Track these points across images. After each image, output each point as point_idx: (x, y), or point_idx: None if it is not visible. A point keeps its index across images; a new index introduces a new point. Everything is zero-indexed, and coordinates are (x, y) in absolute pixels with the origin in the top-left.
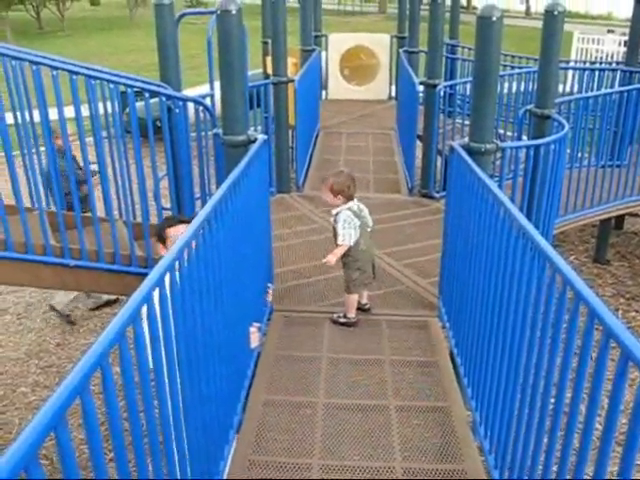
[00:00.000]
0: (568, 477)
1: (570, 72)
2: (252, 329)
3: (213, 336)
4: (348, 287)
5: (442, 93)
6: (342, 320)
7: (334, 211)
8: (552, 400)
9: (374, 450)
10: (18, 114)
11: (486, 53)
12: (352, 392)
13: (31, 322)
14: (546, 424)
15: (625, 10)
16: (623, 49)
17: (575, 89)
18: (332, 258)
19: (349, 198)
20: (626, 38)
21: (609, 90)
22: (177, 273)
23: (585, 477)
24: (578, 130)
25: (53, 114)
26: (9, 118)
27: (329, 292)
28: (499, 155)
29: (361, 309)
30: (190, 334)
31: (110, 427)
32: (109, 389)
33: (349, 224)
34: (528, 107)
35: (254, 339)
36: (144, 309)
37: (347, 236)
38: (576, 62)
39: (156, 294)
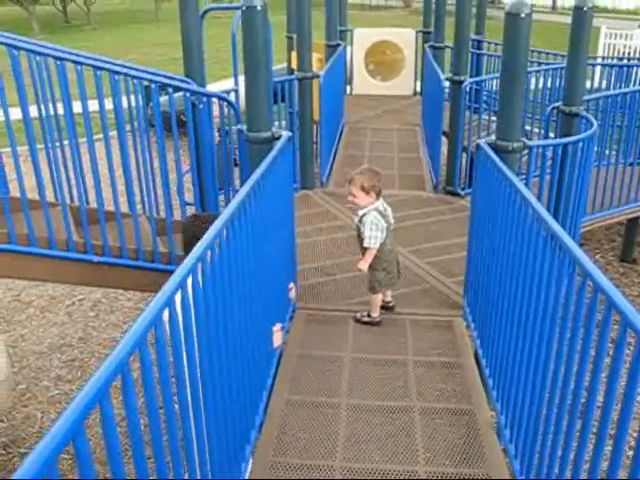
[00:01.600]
0: None
1: (598, 68)
2: (275, 328)
3: (236, 335)
4: (373, 287)
5: (468, 89)
6: (366, 319)
7: (360, 212)
8: (582, 403)
9: (397, 453)
10: (42, 108)
11: (514, 50)
12: (375, 393)
13: (54, 316)
14: (575, 428)
15: None
16: None
17: (603, 85)
18: (364, 265)
19: (379, 192)
20: None
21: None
22: (200, 273)
23: None
24: (606, 128)
25: (77, 108)
26: (33, 111)
27: (353, 290)
28: (525, 152)
29: (385, 307)
30: (212, 334)
31: (129, 425)
32: (128, 387)
33: (376, 226)
34: (556, 104)
35: (277, 338)
36: (166, 312)
37: (374, 239)
38: (603, 58)
39: (178, 294)
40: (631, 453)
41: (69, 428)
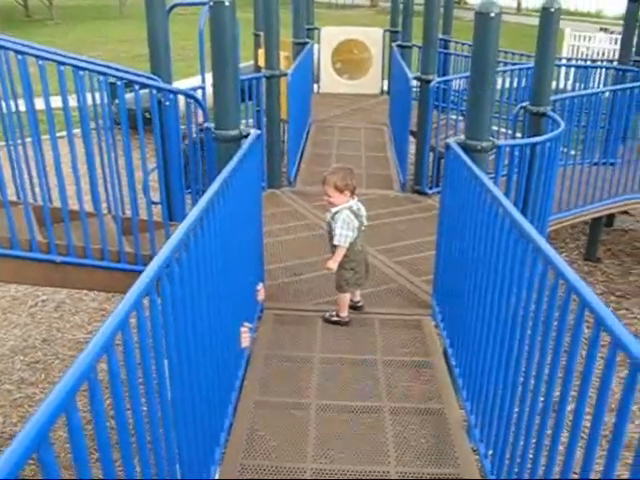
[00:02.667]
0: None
1: (563, 69)
2: (243, 329)
3: (204, 335)
4: (340, 286)
5: (436, 88)
6: (335, 319)
7: (333, 210)
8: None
9: (368, 453)
10: (3, 104)
11: (484, 50)
12: (345, 393)
13: (16, 317)
14: (547, 427)
15: (615, 8)
16: (614, 47)
17: (569, 86)
18: (333, 264)
19: (354, 191)
20: (618, 36)
21: (607, 88)
22: (167, 275)
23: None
24: (572, 128)
25: (40, 104)
26: None
27: (321, 289)
28: (493, 152)
29: (354, 307)
30: (181, 334)
31: (96, 430)
32: (96, 394)
33: (348, 225)
34: (523, 104)
35: (245, 339)
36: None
37: (344, 237)
38: (568, 59)
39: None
40: (604, 453)
41: (32, 439)
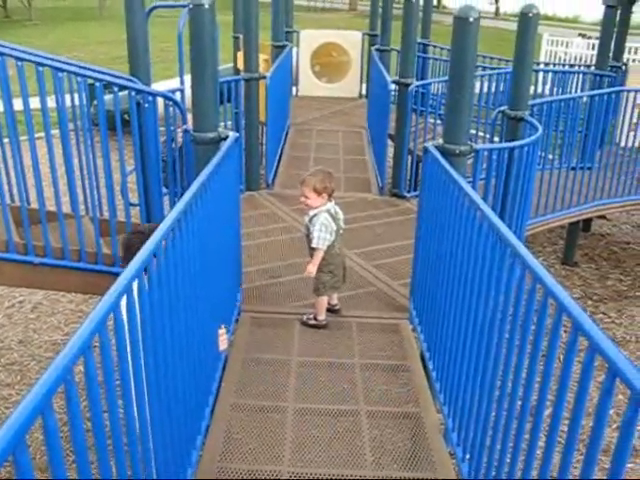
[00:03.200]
0: None
1: (540, 74)
2: (220, 331)
3: (180, 339)
4: (318, 289)
5: (414, 92)
6: (312, 322)
7: (311, 212)
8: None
9: (345, 457)
10: None
11: (462, 54)
12: (322, 396)
13: None
14: (524, 431)
15: (592, 13)
16: (591, 52)
17: (546, 91)
18: (312, 268)
19: (331, 194)
20: (596, 42)
21: (584, 93)
22: (145, 277)
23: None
24: (549, 132)
25: (18, 105)
26: None
27: (299, 292)
28: (471, 156)
29: (331, 310)
30: (158, 336)
31: (71, 428)
32: (72, 392)
33: (326, 228)
34: (501, 109)
35: (222, 342)
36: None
37: (322, 240)
38: (546, 64)
39: (123, 299)
40: (582, 457)
41: (8, 442)
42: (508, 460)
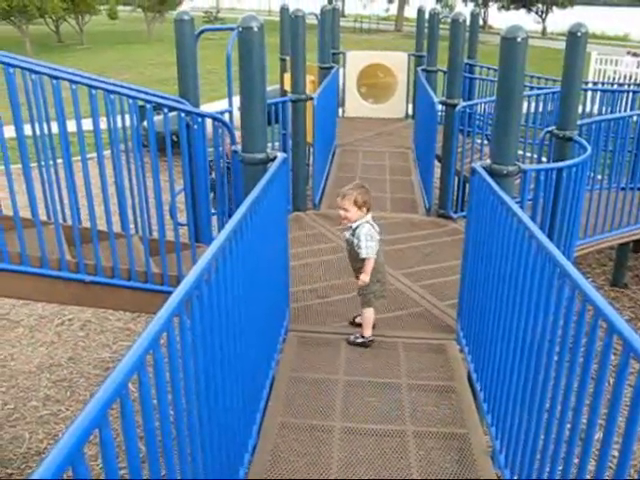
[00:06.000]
0: None
1: (589, 93)
2: None
3: (230, 357)
4: (368, 300)
5: (461, 113)
6: (359, 340)
7: (353, 225)
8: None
9: (391, 477)
10: (36, 126)
11: (510, 74)
12: (368, 416)
13: (43, 335)
14: (574, 455)
15: None
16: None
17: (595, 111)
18: (366, 277)
19: (370, 208)
20: None
21: (634, 112)
22: (196, 296)
23: None
24: (598, 152)
25: (71, 127)
26: (27, 130)
27: (345, 312)
28: (519, 176)
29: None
30: (208, 356)
31: (127, 450)
32: (127, 407)
33: (371, 237)
34: (550, 128)
35: None
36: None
37: (371, 249)
38: (595, 83)
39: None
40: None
41: (67, 454)
42: None
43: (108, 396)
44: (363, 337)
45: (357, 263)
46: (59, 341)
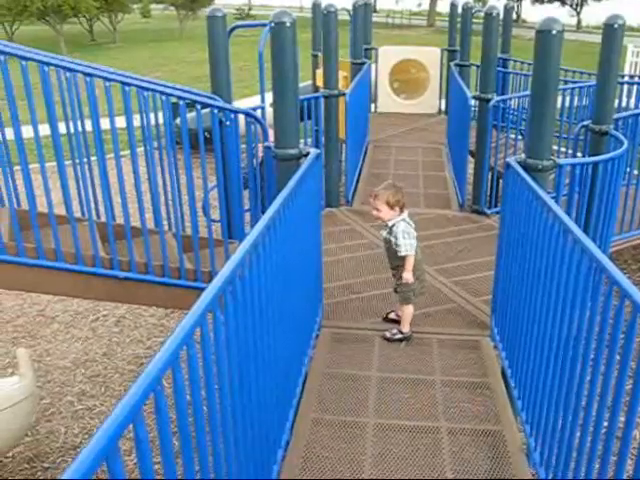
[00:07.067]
0: None
1: (625, 87)
2: None
3: (264, 353)
4: (408, 298)
5: (495, 108)
6: (398, 336)
7: (390, 223)
8: (620, 426)
9: (424, 473)
10: (70, 124)
11: (545, 68)
12: (402, 412)
13: (78, 331)
14: (611, 453)
15: None
16: None
17: (631, 104)
18: (409, 275)
19: (403, 207)
20: None
21: None
22: (230, 292)
23: None
24: (635, 146)
25: (105, 124)
26: (61, 128)
27: (379, 308)
28: (554, 171)
29: (397, 321)
30: (242, 354)
31: (160, 438)
32: (162, 411)
33: (409, 234)
34: (585, 123)
35: None
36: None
37: (410, 246)
38: (631, 77)
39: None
40: None
41: (102, 448)
42: None
43: (142, 391)
44: (402, 333)
45: (396, 261)
46: (94, 337)
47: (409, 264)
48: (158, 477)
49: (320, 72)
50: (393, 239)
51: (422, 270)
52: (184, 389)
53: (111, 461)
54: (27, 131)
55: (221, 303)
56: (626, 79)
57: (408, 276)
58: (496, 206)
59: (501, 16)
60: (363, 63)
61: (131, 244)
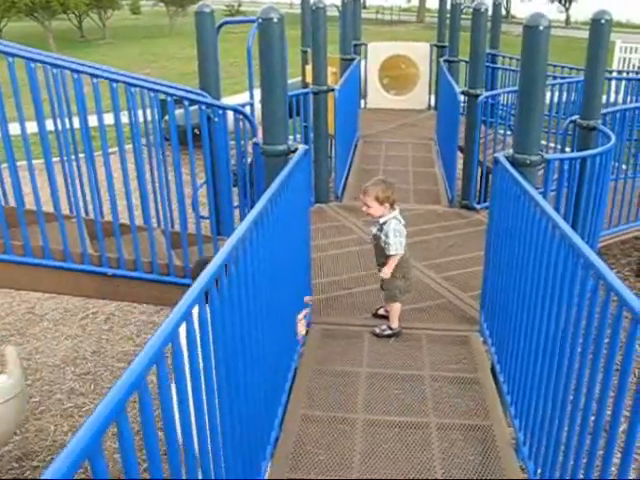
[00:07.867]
0: None
1: (613, 82)
2: (299, 316)
3: (251, 349)
4: (394, 296)
5: (484, 103)
6: (387, 332)
7: (381, 220)
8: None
9: (414, 469)
10: (58, 121)
11: (532, 63)
12: (391, 408)
13: (68, 329)
14: (598, 446)
15: None
16: None
17: (619, 100)
18: (388, 271)
19: (393, 204)
20: None
21: None
22: (216, 289)
23: None
24: (622, 141)
25: (93, 121)
26: (49, 125)
27: (369, 304)
28: (542, 166)
29: (385, 316)
30: (229, 347)
31: (145, 435)
32: (145, 399)
33: (399, 232)
34: (573, 118)
35: (301, 327)
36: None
37: (398, 245)
38: (619, 72)
39: (194, 311)
40: None
41: (85, 446)
42: (581, 476)
43: (126, 388)
44: (391, 328)
45: (383, 258)
46: (83, 334)
47: (392, 262)
48: (144, 476)
49: (309, 68)
50: (383, 237)
51: (409, 267)
52: (169, 386)
53: (94, 460)
54: (14, 128)
55: (207, 298)
56: (614, 75)
57: (387, 272)
58: (485, 201)
59: (490, 12)
60: (353, 59)
61: (120, 241)
